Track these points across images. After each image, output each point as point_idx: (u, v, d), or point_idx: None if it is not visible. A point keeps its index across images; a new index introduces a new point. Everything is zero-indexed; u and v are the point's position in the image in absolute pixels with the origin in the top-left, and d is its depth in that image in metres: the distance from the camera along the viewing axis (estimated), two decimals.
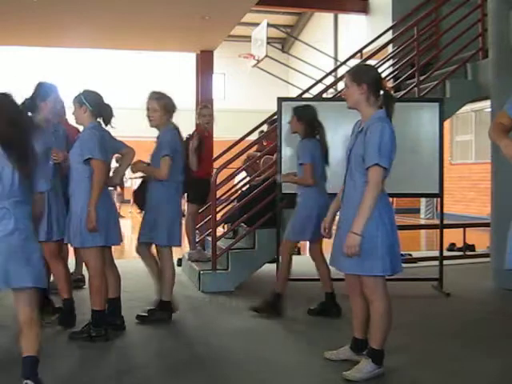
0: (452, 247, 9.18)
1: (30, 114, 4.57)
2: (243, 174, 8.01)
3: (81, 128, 4.61)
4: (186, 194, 6.91)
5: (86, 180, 4.21)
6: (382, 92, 3.53)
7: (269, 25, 14.51)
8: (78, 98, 4.34)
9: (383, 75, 7.91)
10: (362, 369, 3.55)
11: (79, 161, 4.24)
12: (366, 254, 3.38)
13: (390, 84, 8.03)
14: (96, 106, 4.33)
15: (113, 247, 4.55)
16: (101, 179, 4.18)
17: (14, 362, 3.84)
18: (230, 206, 7.50)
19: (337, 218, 3.76)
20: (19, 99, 4.62)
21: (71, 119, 5.11)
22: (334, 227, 3.78)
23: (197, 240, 6.98)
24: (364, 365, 3.57)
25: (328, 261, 3.76)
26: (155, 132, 4.85)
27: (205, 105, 7.33)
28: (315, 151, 5.01)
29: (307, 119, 5.10)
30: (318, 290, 6.04)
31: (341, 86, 8.63)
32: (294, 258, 8.66)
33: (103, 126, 4.42)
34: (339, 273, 3.76)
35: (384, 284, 3.53)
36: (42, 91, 4.52)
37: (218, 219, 6.49)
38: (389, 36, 8.11)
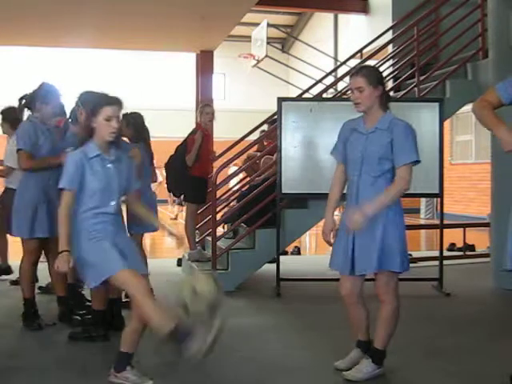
0: (452, 247, 9.18)
1: (27, 111, 4.60)
2: (240, 176, 8.04)
3: None
4: (184, 194, 6.92)
5: None
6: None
7: (269, 25, 14.51)
8: (77, 101, 4.37)
9: (383, 75, 7.91)
10: (362, 369, 3.55)
11: None
12: (386, 250, 3.42)
13: (390, 84, 8.04)
14: (88, 106, 4.33)
15: None
16: None
17: (14, 362, 3.85)
18: (229, 206, 7.50)
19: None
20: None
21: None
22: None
23: (197, 240, 6.97)
24: (364, 365, 3.56)
25: (329, 263, 3.69)
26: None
27: (207, 103, 7.34)
28: (145, 154, 5.40)
29: (136, 125, 5.39)
30: (318, 289, 6.05)
31: (341, 85, 8.66)
32: (294, 257, 8.73)
33: None
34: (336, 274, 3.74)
35: (397, 284, 3.55)
36: (45, 93, 4.52)
37: (217, 219, 6.49)
38: (389, 36, 8.10)
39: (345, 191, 3.73)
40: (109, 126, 3.32)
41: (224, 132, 12.82)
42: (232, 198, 7.52)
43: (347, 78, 7.51)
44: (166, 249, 11.27)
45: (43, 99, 4.49)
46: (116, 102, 3.37)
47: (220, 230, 6.91)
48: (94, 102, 3.38)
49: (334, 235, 3.64)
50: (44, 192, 4.48)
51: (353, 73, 3.57)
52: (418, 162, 3.47)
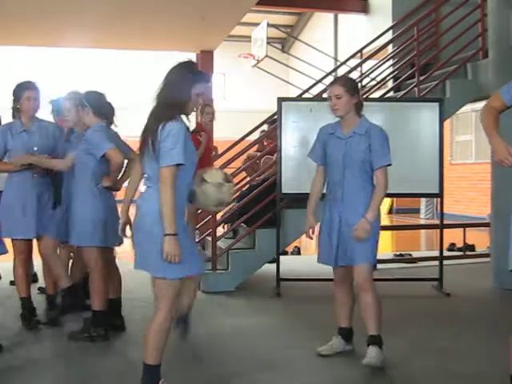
0: (452, 247, 9.18)
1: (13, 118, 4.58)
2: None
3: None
4: None
5: (88, 178, 4.22)
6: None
7: (269, 25, 14.51)
8: (80, 101, 4.35)
9: (383, 75, 7.93)
10: (375, 355, 3.71)
11: (82, 159, 4.24)
12: (371, 245, 3.76)
13: (390, 84, 8.04)
14: (97, 107, 4.32)
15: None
16: (118, 163, 4.16)
17: (14, 362, 3.85)
18: (229, 206, 7.50)
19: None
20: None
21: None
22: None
23: (197, 240, 6.97)
24: (375, 350, 3.72)
25: (317, 259, 4.04)
26: None
27: (207, 103, 7.35)
28: None
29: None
30: (318, 289, 6.06)
31: None
32: (294, 257, 8.73)
33: (111, 127, 4.43)
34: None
35: (372, 274, 3.85)
36: (15, 92, 4.51)
37: (217, 219, 6.49)
38: (389, 36, 8.11)
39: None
40: (197, 101, 3.17)
41: (224, 132, 12.81)
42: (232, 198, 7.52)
43: None
44: None
45: (15, 97, 4.50)
46: (209, 80, 3.26)
47: (220, 230, 6.91)
48: (192, 75, 3.14)
49: (313, 231, 4.04)
50: (28, 193, 4.47)
51: (332, 82, 3.92)
52: (390, 164, 3.79)
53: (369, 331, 3.77)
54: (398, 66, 7.76)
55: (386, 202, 16.40)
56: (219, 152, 7.50)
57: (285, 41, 23.31)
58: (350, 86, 3.81)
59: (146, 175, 3.19)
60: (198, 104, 3.21)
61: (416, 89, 6.93)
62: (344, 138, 3.82)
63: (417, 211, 17.11)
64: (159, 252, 2.93)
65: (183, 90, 3.08)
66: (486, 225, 7.68)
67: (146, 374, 3.13)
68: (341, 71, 8.56)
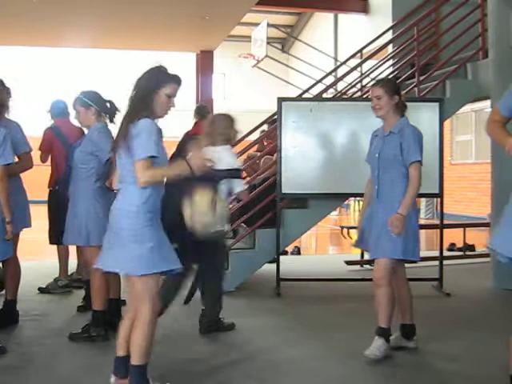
0: (452, 247, 9.17)
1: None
2: None
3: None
4: None
5: (89, 179, 4.22)
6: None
7: (269, 25, 14.51)
8: (82, 101, 4.30)
9: (383, 75, 7.94)
10: (379, 348, 3.87)
11: (84, 160, 4.23)
12: (395, 240, 3.84)
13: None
14: (101, 105, 4.32)
15: None
16: None
17: (14, 362, 3.85)
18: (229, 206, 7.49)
19: None
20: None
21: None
22: None
23: None
24: (380, 343, 3.88)
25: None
26: None
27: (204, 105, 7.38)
28: None
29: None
30: (318, 289, 6.06)
31: (341, 85, 8.65)
32: (294, 257, 8.73)
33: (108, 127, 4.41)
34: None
35: (391, 270, 3.92)
36: None
37: None
38: (389, 36, 8.11)
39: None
40: (169, 102, 3.16)
41: None
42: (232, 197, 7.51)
43: (347, 78, 7.56)
44: None
45: None
46: (180, 83, 3.22)
47: None
48: (160, 75, 3.18)
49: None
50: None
51: (374, 83, 4.21)
52: (420, 161, 3.93)
53: (379, 323, 3.92)
54: (398, 66, 7.75)
55: None
56: None
57: (285, 41, 23.32)
58: (389, 87, 4.06)
59: (119, 177, 3.21)
60: (171, 106, 3.18)
61: (416, 89, 6.92)
62: (382, 137, 4.05)
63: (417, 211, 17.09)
64: (125, 250, 3.05)
65: (148, 91, 3.15)
66: (486, 225, 7.67)
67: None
68: (341, 71, 8.57)
